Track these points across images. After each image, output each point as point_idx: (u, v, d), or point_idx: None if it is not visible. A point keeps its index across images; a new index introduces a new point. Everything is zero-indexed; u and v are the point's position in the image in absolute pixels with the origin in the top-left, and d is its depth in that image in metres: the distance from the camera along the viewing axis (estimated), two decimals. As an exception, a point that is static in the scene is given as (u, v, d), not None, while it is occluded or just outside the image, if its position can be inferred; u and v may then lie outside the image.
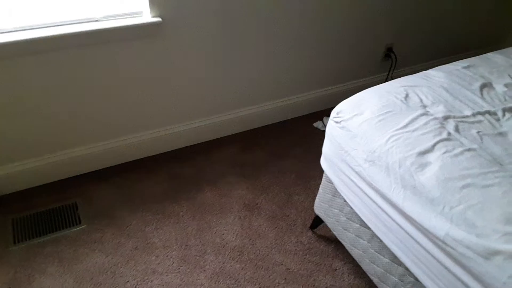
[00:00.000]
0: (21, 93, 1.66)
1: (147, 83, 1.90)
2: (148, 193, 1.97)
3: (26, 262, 1.62)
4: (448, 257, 1.00)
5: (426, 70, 1.59)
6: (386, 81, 1.95)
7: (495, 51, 1.72)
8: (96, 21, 1.64)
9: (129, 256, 1.67)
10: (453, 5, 2.64)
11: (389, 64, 2.67)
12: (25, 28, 1.54)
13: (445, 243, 0.99)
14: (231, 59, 2.06)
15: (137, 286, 1.56)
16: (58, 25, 1.59)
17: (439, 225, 1.01)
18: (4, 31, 1.51)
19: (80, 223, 1.80)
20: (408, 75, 1.56)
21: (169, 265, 1.65)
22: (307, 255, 1.71)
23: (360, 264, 1.49)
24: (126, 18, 1.68)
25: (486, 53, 1.72)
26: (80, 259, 1.65)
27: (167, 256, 1.68)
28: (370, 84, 1.60)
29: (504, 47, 1.79)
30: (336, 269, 1.66)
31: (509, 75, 1.52)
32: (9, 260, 1.63)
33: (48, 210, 1.84)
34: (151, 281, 1.58)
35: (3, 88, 1.61)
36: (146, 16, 1.70)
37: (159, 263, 1.65)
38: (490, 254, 0.91)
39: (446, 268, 1.01)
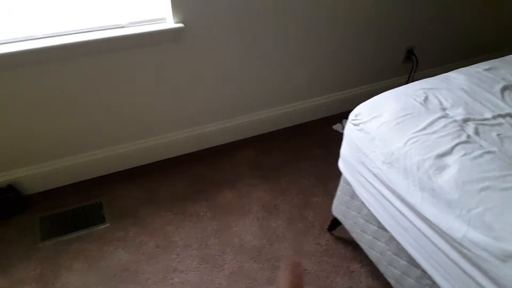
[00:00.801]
0: (51, 97, 1.73)
1: (170, 86, 1.95)
2: (169, 193, 2.02)
3: (52, 259, 1.69)
4: (465, 259, 1.00)
5: (448, 72, 1.58)
6: (407, 83, 1.94)
7: (518, 53, 1.70)
8: (122, 27, 1.70)
9: (151, 254, 1.72)
10: (474, 7, 2.60)
11: (410, 66, 2.65)
12: (55, 34, 1.61)
13: (462, 246, 0.99)
14: (251, 63, 2.09)
15: (159, 284, 1.61)
16: (86, 32, 1.65)
17: (457, 227, 1.01)
18: (35, 37, 1.58)
19: (104, 221, 1.86)
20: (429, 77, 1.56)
21: (189, 264, 1.68)
22: (325, 257, 1.72)
23: (377, 266, 1.49)
24: (150, 24, 1.73)
25: (508, 55, 1.70)
26: (104, 256, 1.71)
27: (187, 254, 1.72)
28: (390, 86, 1.60)
29: (527, 49, 1.77)
30: (354, 271, 1.66)
31: (531, 78, 1.49)
32: (37, 256, 1.70)
33: (74, 209, 1.91)
34: (172, 278, 1.63)
35: (34, 91, 1.68)
36: (169, 22, 1.75)
37: (179, 261, 1.69)
38: (507, 257, 0.91)
39: (463, 270, 1.01)
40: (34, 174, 1.92)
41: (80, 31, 1.64)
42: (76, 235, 1.80)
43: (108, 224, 1.85)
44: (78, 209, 1.91)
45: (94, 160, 2.02)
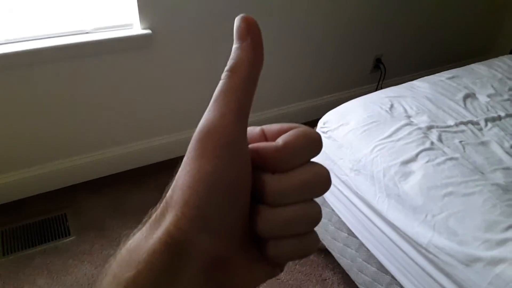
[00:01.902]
0: (9, 105, 1.67)
1: (137, 94, 1.92)
2: (137, 203, 1.97)
3: (15, 274, 1.61)
4: (431, 264, 1.01)
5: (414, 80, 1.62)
6: (376, 91, 1.98)
7: (479, 62, 1.76)
8: (87, 33, 1.66)
9: (118, 267, 1.67)
10: (440, 18, 2.69)
11: (379, 74, 2.70)
12: (17, 40, 1.56)
13: (428, 251, 1.00)
14: (220, 70, 2.07)
15: (126, 298, 1.56)
16: (49, 37, 1.60)
17: (422, 233, 1.02)
18: (-5, 43, 1.53)
19: (69, 234, 1.79)
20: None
21: (158, 276, 1.64)
22: (297, 266, 1.71)
23: (348, 273, 1.49)
24: (116, 30, 1.70)
25: (470, 64, 1.76)
26: (69, 270, 1.64)
27: (156, 267, 1.68)
28: (360, 95, 1.63)
29: (488, 59, 1.83)
30: (326, 279, 1.66)
31: (492, 86, 1.55)
32: (-3, 272, 1.62)
33: (38, 222, 1.83)
34: (140, 292, 1.58)
35: (-7, 100, 1.62)
36: (137, 28, 1.72)
37: (148, 274, 1.65)
38: (470, 261, 0.93)
39: (430, 275, 1.03)
40: (-6, 186, 1.84)
41: (42, 37, 1.59)
42: (40, 248, 1.72)
43: (73, 237, 1.78)
44: (42, 221, 1.84)
45: (58, 170, 1.95)
